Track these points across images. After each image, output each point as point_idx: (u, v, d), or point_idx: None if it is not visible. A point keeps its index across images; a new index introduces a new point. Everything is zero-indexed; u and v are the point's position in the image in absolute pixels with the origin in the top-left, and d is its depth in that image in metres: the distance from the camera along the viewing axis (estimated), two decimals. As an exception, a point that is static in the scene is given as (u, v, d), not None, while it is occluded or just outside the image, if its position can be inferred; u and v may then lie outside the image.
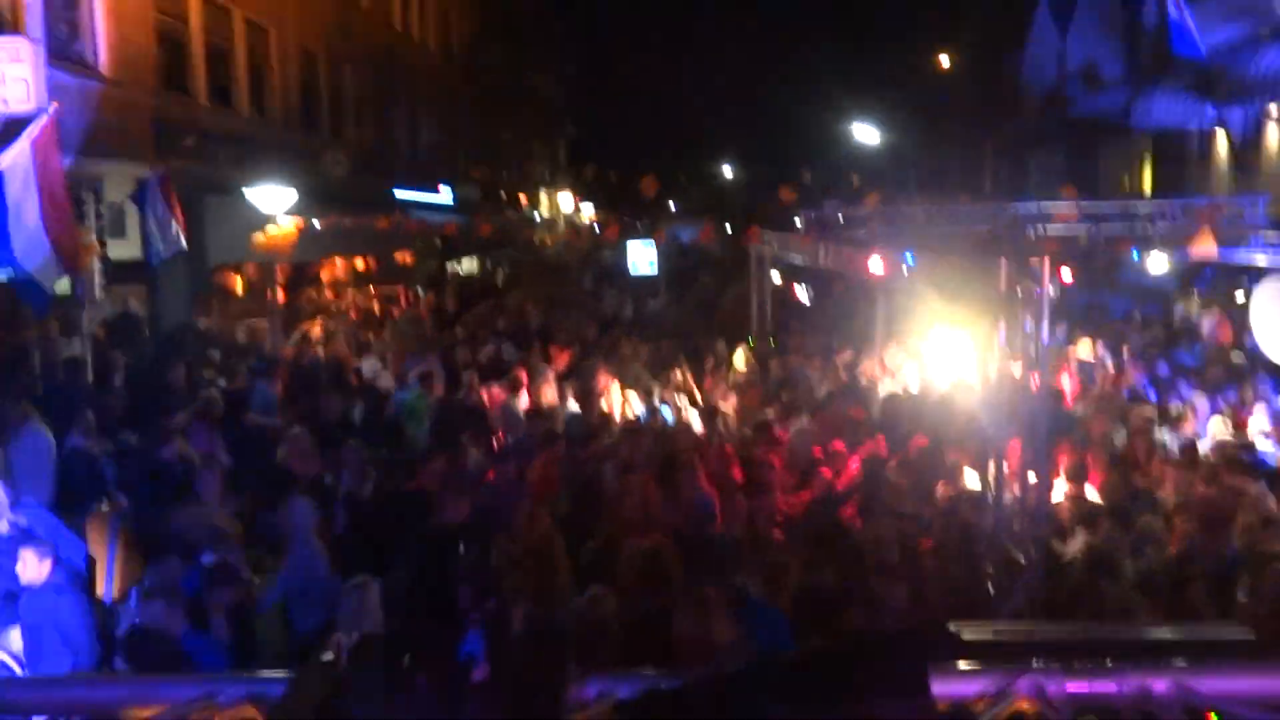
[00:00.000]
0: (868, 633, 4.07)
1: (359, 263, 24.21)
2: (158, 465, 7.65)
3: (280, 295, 16.02)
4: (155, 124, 14.77)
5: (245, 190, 14.42)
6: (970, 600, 6.24)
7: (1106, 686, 1.46)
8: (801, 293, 20.11)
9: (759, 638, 4.67)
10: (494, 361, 13.15)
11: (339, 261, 22.91)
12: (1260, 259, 12.16)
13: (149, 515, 6.94)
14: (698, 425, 10.20)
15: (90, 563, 6.48)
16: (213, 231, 15.16)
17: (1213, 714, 1.57)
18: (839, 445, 9.32)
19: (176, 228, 12.96)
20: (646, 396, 11.04)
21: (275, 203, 14.42)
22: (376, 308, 20.72)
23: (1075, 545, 7.25)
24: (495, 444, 9.33)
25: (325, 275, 22.89)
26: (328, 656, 1.43)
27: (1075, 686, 1.45)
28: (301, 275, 20.65)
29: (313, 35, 21.18)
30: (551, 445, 8.20)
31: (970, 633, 1.68)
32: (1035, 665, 1.48)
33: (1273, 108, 18.79)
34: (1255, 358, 11.96)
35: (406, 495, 6.75)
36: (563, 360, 13.09)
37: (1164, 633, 1.76)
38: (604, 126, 56.04)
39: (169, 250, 12.95)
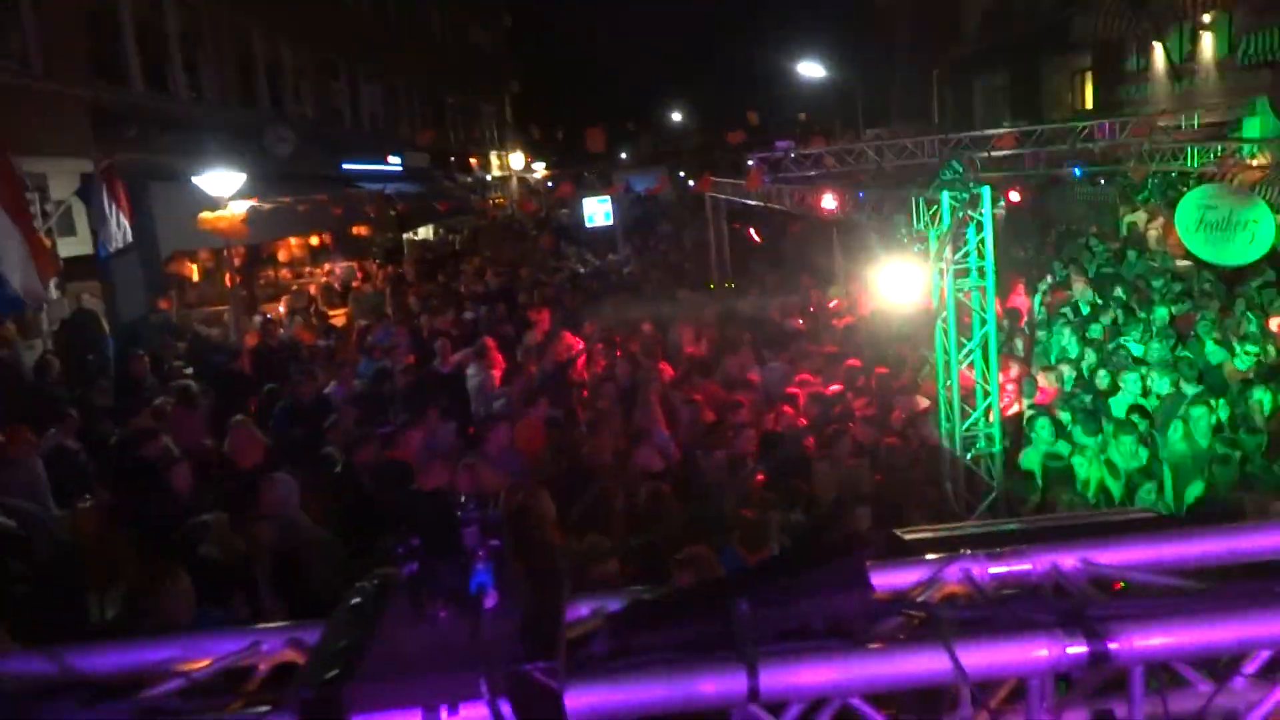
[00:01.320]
0: (816, 539, 4.39)
1: (314, 239, 24.06)
2: (136, 459, 7.76)
3: (236, 279, 15.95)
4: (93, 115, 14.54)
5: (193, 176, 14.28)
6: (938, 515, 6.59)
7: (1023, 566, 1.71)
8: (757, 235, 20.33)
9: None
10: (465, 328, 13.29)
11: (294, 240, 22.75)
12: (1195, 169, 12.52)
13: (131, 508, 7.08)
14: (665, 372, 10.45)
15: (79, 552, 6.64)
16: (163, 220, 15.02)
17: (1121, 583, 1.84)
18: (808, 377, 9.67)
19: (124, 221, 12.86)
20: (609, 349, 11.25)
21: (224, 186, 14.31)
22: (337, 283, 20.68)
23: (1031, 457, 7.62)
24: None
25: (282, 255, 22.75)
26: (355, 600, 1.65)
27: (997, 569, 1.71)
28: (257, 257, 20.52)
29: (244, 8, 20.77)
30: (534, 405, 8.46)
31: (911, 534, 1.94)
32: (963, 554, 1.73)
33: (1205, 18, 19.07)
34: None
35: (389, 465, 6.96)
36: (544, 320, 13.25)
37: (1076, 518, 2.02)
38: (548, 80, 55.38)
39: (117, 245, 12.86)
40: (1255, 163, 11.84)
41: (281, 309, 16.26)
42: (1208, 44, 19.70)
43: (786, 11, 50.08)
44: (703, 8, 62.12)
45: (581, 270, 21.16)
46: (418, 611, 1.50)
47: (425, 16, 37.52)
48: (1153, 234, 19.20)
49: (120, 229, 12.81)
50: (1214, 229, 10.66)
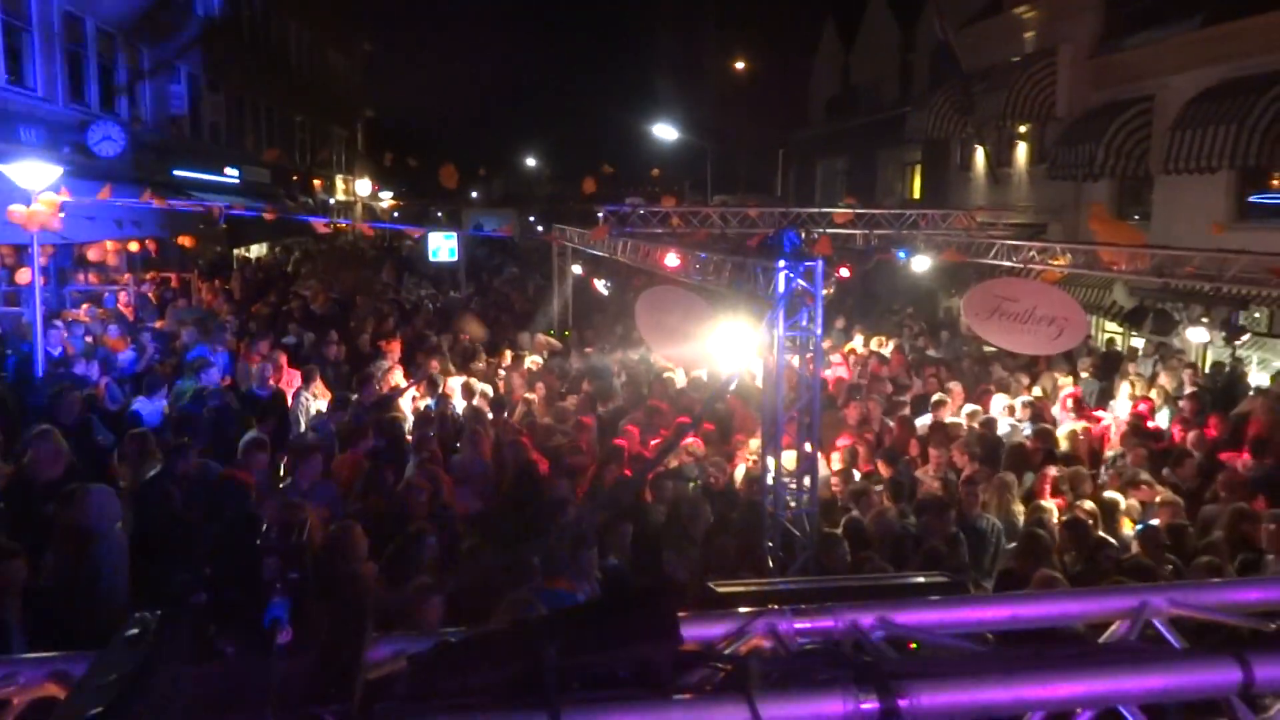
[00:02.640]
0: (629, 588, 4.42)
1: (134, 245, 22.56)
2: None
3: (38, 278, 14.71)
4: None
5: (1, 165, 13.17)
6: (755, 572, 6.75)
7: (826, 623, 1.77)
8: (601, 286, 20.54)
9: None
10: (285, 352, 12.74)
11: (111, 245, 21.25)
12: (1005, 263, 13.57)
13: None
14: (496, 413, 10.34)
15: None
16: (-41, 208, 13.72)
17: (914, 643, 1.93)
18: (632, 429, 9.77)
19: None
20: (433, 387, 11.02)
21: (36, 178, 13.24)
22: (153, 294, 19.41)
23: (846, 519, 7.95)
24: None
25: (94, 257, 21.18)
26: (132, 632, 1.51)
27: (801, 624, 1.76)
28: (67, 258, 19.05)
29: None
30: (361, 438, 8.21)
31: (723, 587, 1.97)
32: (771, 609, 1.77)
33: (1020, 129, 20.92)
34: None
35: (217, 483, 6.58)
36: (396, 351, 12.89)
37: (878, 579, 2.12)
38: (404, 112, 54.64)
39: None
40: (1057, 263, 12.96)
41: (84, 315, 15.10)
42: (1022, 153, 21.58)
43: (645, 75, 51.52)
44: (565, 60, 63.07)
45: (417, 303, 20.75)
46: (203, 646, 1.39)
47: (282, 32, 36.35)
48: (965, 319, 20.61)
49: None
50: (1013, 320, 11.54)
